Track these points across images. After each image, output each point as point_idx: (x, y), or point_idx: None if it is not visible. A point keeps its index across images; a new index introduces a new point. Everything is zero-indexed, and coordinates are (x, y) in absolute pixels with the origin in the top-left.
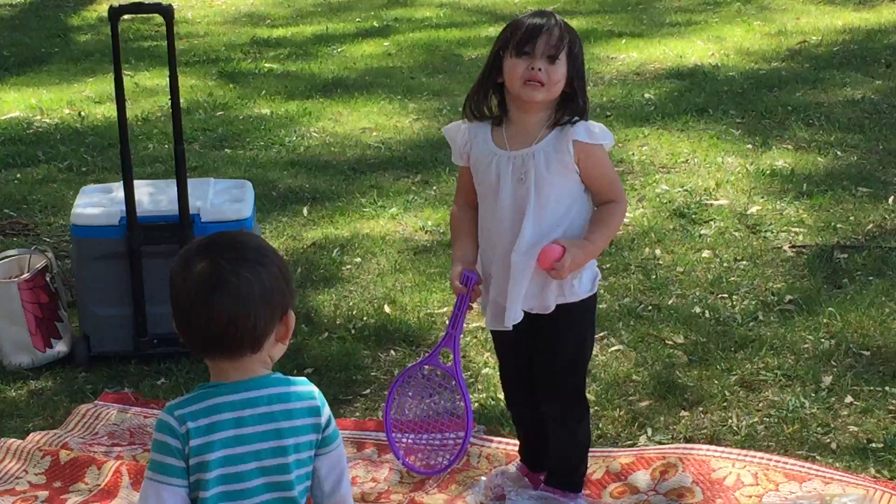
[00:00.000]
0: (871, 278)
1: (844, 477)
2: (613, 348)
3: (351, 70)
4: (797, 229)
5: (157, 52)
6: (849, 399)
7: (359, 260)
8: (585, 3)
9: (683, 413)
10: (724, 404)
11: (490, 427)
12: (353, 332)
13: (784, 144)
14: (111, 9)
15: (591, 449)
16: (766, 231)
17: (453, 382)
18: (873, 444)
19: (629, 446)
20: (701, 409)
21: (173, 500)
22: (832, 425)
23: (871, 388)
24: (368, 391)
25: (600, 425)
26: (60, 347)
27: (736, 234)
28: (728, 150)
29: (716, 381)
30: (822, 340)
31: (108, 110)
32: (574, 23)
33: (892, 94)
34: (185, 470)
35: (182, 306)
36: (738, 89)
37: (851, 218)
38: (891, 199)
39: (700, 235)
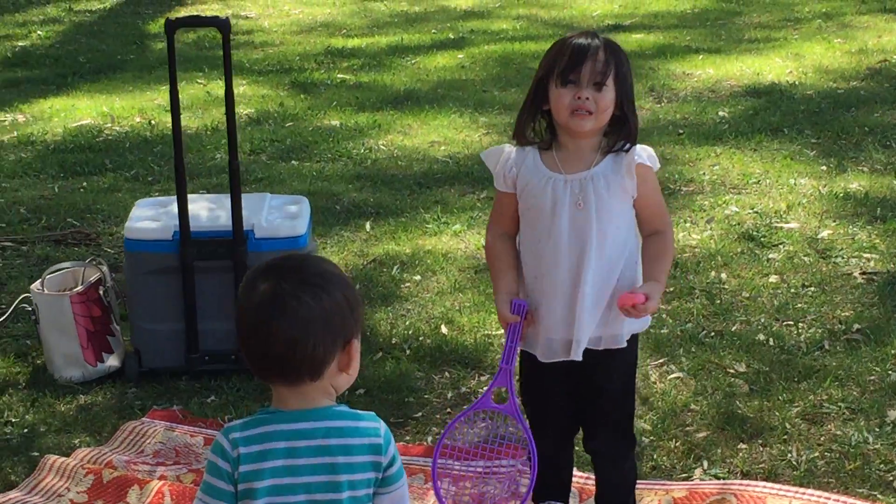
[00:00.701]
0: None
1: None
2: (673, 376)
3: (423, 82)
4: (868, 255)
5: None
6: None
7: (419, 277)
8: (664, 17)
9: (742, 445)
10: (785, 437)
11: None
12: (408, 352)
13: (859, 167)
14: (167, 22)
15: (644, 481)
16: (836, 256)
17: (508, 420)
18: None
19: (684, 479)
20: (760, 441)
21: None
22: None
23: None
24: (420, 414)
25: (655, 456)
26: (112, 362)
27: (805, 258)
28: (801, 171)
29: (777, 413)
30: (890, 372)
31: None
32: (651, 38)
33: None
34: (233, 494)
35: (243, 327)
36: (815, 108)
37: None
38: None
39: (768, 260)
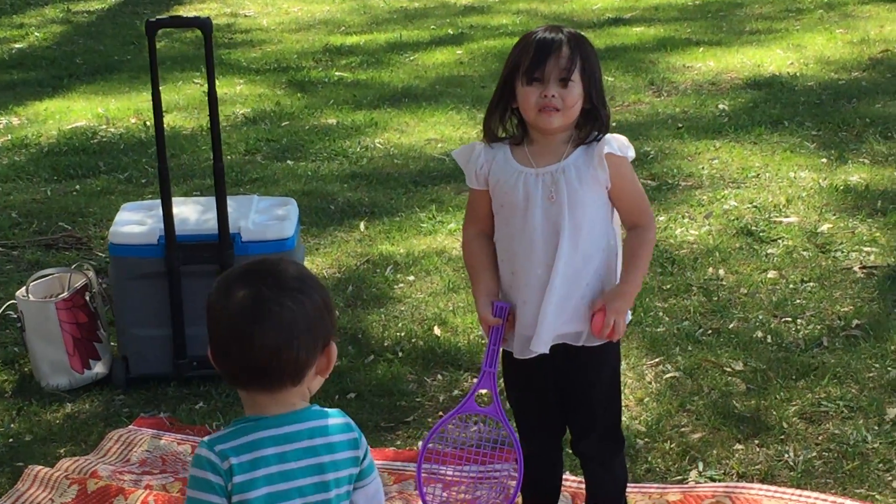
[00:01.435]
0: None
1: None
2: (668, 375)
3: (422, 79)
4: (869, 249)
5: (227, 61)
6: None
7: (412, 278)
8: (664, 10)
9: (738, 446)
10: (782, 437)
11: None
12: (400, 354)
13: (860, 158)
14: (148, 23)
15: (638, 484)
16: (836, 251)
17: (491, 422)
18: None
19: (678, 481)
20: (757, 441)
21: None
22: (895, 462)
23: None
24: (412, 418)
25: (649, 458)
26: (99, 369)
27: (804, 253)
28: (801, 164)
29: (774, 412)
30: (889, 369)
31: (174, 120)
32: (651, 31)
33: None
34: None
35: (221, 336)
36: (816, 100)
37: None
38: None
39: (767, 255)
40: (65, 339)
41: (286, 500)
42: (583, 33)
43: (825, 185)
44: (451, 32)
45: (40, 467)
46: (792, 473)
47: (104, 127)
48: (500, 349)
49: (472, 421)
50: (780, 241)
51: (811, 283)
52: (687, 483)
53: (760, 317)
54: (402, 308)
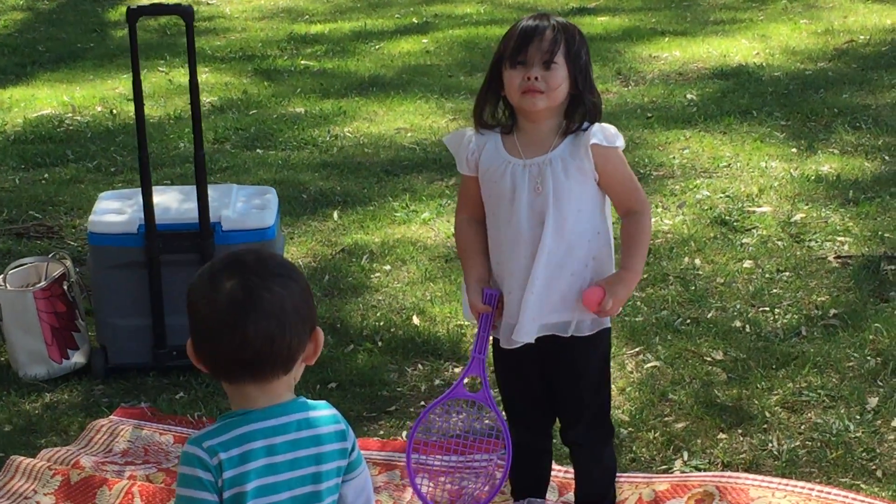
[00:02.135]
0: None
1: None
2: (649, 364)
3: (388, 68)
4: (842, 238)
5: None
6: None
7: (388, 267)
8: (628, 0)
9: (722, 435)
10: (765, 426)
11: None
12: (380, 344)
13: (830, 148)
14: (129, 10)
15: (624, 474)
16: (810, 240)
17: (481, 409)
18: None
19: (664, 471)
20: (740, 430)
21: None
22: (878, 450)
23: None
24: (394, 408)
25: (634, 448)
26: (77, 359)
27: (779, 243)
28: (772, 153)
29: (756, 402)
30: (868, 358)
31: None
32: (616, 21)
33: None
34: None
35: (208, 329)
36: (783, 90)
37: None
38: None
39: (741, 244)
40: (43, 328)
41: (275, 494)
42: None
43: (796, 175)
44: (416, 21)
45: (22, 458)
46: (776, 463)
47: (70, 115)
48: (490, 336)
49: (455, 411)
50: (754, 230)
51: (787, 273)
52: (672, 472)
53: (738, 306)
54: (380, 297)
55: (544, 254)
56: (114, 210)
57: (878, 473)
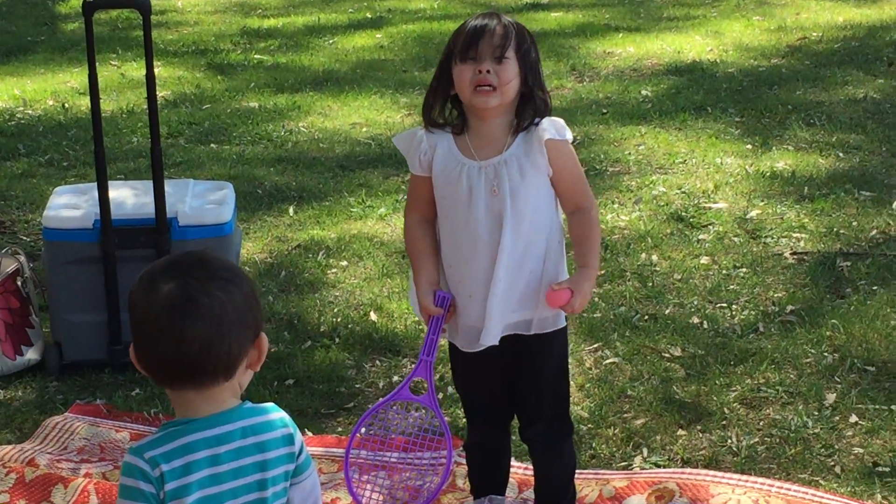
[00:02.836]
0: (874, 288)
1: None
2: (608, 361)
3: (342, 63)
4: (798, 235)
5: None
6: (854, 418)
7: (345, 263)
8: None
9: (681, 432)
10: (724, 422)
11: None
12: (337, 340)
13: (784, 145)
14: (85, 3)
15: (584, 471)
16: (766, 236)
17: (424, 411)
18: (879, 468)
19: (624, 467)
20: (699, 427)
21: None
22: (836, 447)
23: (877, 406)
24: (352, 404)
25: (594, 445)
26: (31, 355)
27: (735, 239)
28: (727, 150)
29: (714, 398)
30: (826, 354)
31: None
32: (570, 17)
33: (895, 94)
34: None
35: (147, 332)
36: (737, 87)
37: (854, 223)
38: (894, 204)
39: (698, 241)
40: None
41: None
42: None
43: (752, 172)
44: (370, 16)
45: None
46: (735, 459)
47: (21, 109)
48: (439, 339)
49: (414, 408)
50: (710, 226)
51: (744, 269)
52: (632, 469)
53: (696, 302)
54: (337, 293)
55: (504, 255)
56: (69, 205)
57: (837, 469)
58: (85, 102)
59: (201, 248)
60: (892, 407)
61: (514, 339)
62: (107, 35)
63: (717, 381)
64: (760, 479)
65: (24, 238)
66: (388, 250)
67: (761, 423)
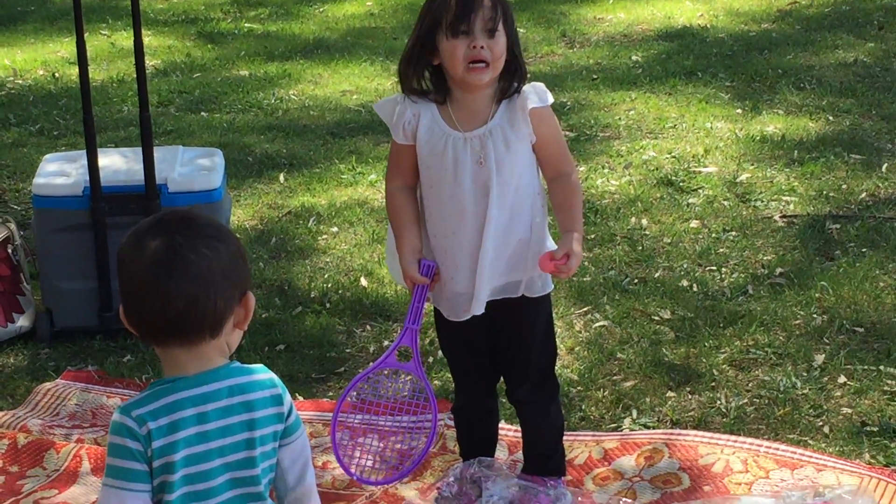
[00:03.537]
0: (864, 250)
1: (838, 463)
2: (598, 324)
3: (333, 31)
4: (788, 198)
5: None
6: (842, 379)
7: (336, 229)
8: None
9: (670, 394)
10: (713, 384)
11: None
12: (328, 306)
13: (774, 109)
14: None
15: (574, 432)
16: (755, 200)
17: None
18: (868, 427)
19: (613, 429)
20: (688, 388)
21: None
22: (825, 407)
23: (865, 367)
24: (343, 369)
25: (583, 407)
26: (22, 322)
27: (725, 203)
28: (717, 114)
29: (704, 360)
30: (814, 316)
31: None
32: None
33: (885, 57)
34: (148, 474)
35: (133, 289)
36: (728, 52)
37: (844, 186)
38: (884, 167)
39: (688, 204)
40: None
41: (205, 462)
42: None
43: (742, 136)
44: None
45: None
46: (724, 420)
47: (12, 79)
48: (424, 306)
49: (388, 378)
50: (700, 190)
51: (733, 233)
52: (621, 430)
53: (685, 266)
54: (328, 259)
55: (491, 225)
56: (59, 172)
57: (826, 429)
58: (75, 72)
59: (188, 207)
60: (881, 367)
61: (500, 304)
62: (97, 4)
63: (706, 344)
64: (749, 440)
65: (15, 207)
66: (379, 216)
67: (750, 385)
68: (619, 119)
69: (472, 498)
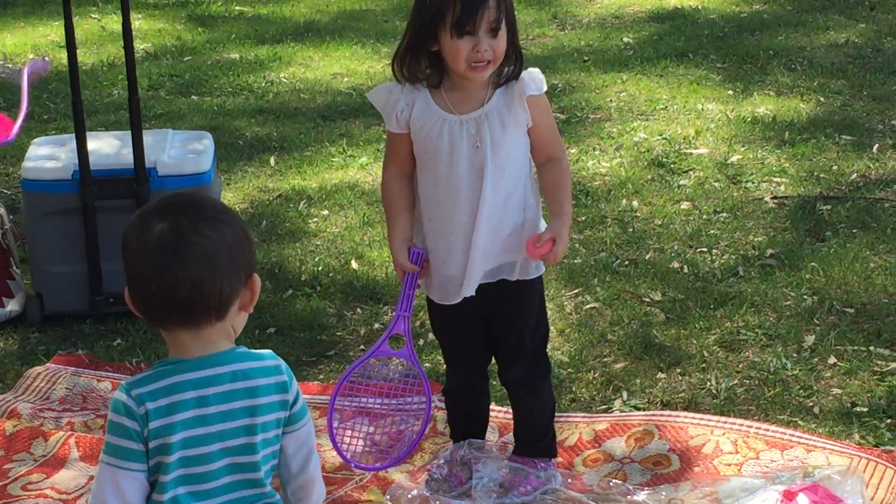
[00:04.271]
0: (854, 231)
1: (827, 444)
2: (588, 306)
3: (323, 13)
4: (779, 179)
5: None
6: (832, 360)
7: (326, 213)
8: None
9: (661, 375)
10: (703, 365)
11: None
12: (318, 289)
13: (765, 90)
14: None
15: (564, 414)
16: (746, 181)
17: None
18: (857, 408)
19: (604, 411)
20: (679, 370)
21: (132, 486)
22: (815, 388)
23: (855, 347)
24: (333, 352)
25: (574, 388)
26: (12, 307)
27: (716, 184)
28: (708, 96)
29: (694, 341)
30: (805, 297)
31: None
32: None
33: (876, 38)
34: (144, 454)
35: (140, 272)
36: (719, 33)
37: (835, 167)
38: (875, 148)
39: (679, 186)
40: None
41: (204, 445)
42: None
43: (733, 117)
44: None
45: None
46: (715, 401)
47: (2, 62)
48: (415, 293)
49: (380, 366)
50: (691, 172)
51: (724, 214)
52: (612, 412)
53: (676, 247)
54: (318, 242)
55: (486, 208)
56: (48, 156)
57: (816, 410)
58: (65, 55)
59: (193, 190)
60: (871, 348)
61: (494, 286)
62: None
63: (696, 325)
64: (739, 421)
65: (5, 191)
66: (370, 199)
67: (740, 366)
68: (610, 101)
69: (463, 480)
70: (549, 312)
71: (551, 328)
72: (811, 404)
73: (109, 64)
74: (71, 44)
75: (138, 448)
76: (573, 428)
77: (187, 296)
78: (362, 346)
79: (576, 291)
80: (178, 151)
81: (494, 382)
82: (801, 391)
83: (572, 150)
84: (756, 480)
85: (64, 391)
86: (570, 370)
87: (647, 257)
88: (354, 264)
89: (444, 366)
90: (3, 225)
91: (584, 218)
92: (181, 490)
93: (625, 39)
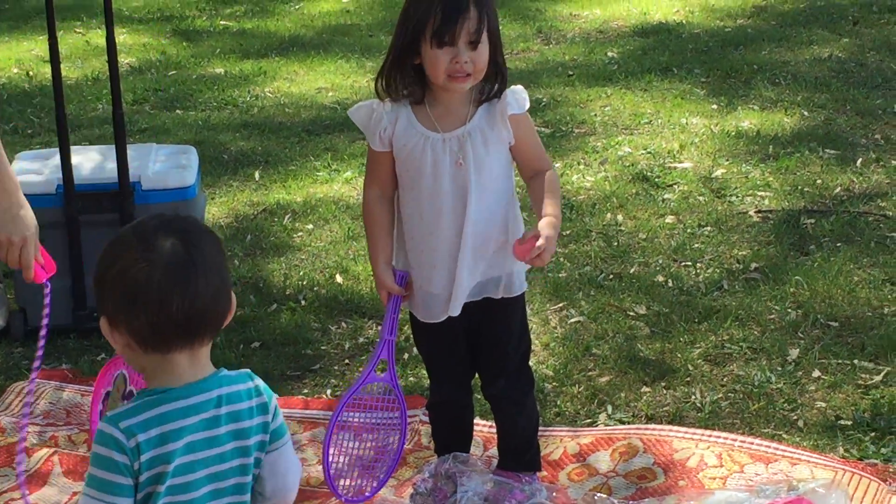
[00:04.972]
0: (838, 245)
1: (812, 457)
2: (573, 320)
3: (308, 28)
4: (763, 193)
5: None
6: (816, 373)
7: (311, 227)
8: None
9: (645, 389)
10: (688, 379)
11: None
12: (303, 303)
13: (749, 104)
14: None
15: (549, 428)
16: (731, 195)
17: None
18: (842, 421)
19: (588, 425)
20: (663, 384)
21: None
22: (799, 401)
23: (840, 361)
24: (318, 366)
25: (558, 402)
26: None
27: (700, 198)
28: (692, 110)
29: (679, 355)
30: (789, 311)
31: None
32: None
33: (860, 52)
34: (132, 488)
35: (152, 295)
36: (703, 47)
37: (819, 181)
38: (858, 162)
39: (663, 200)
40: None
41: (190, 473)
42: None
43: (717, 131)
44: None
45: None
46: (699, 415)
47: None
48: (399, 316)
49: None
50: (675, 186)
51: (708, 228)
52: (597, 426)
53: (660, 261)
54: (303, 257)
55: (469, 226)
56: (32, 170)
57: (800, 423)
58: (49, 70)
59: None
60: (855, 361)
61: (475, 304)
62: (71, 3)
63: (681, 339)
64: (724, 434)
65: None
66: (354, 213)
67: (725, 379)
68: (595, 115)
69: (447, 494)
70: (533, 326)
71: (535, 342)
72: (795, 418)
73: (94, 78)
74: (55, 58)
75: (127, 482)
76: (557, 442)
77: (204, 309)
78: (346, 360)
79: (560, 305)
80: (163, 166)
81: (478, 396)
82: (786, 404)
83: (557, 165)
84: (740, 494)
85: (48, 405)
86: (554, 384)
87: (632, 271)
88: (339, 278)
89: (428, 380)
90: None
91: (568, 232)
92: None
93: (609, 54)
